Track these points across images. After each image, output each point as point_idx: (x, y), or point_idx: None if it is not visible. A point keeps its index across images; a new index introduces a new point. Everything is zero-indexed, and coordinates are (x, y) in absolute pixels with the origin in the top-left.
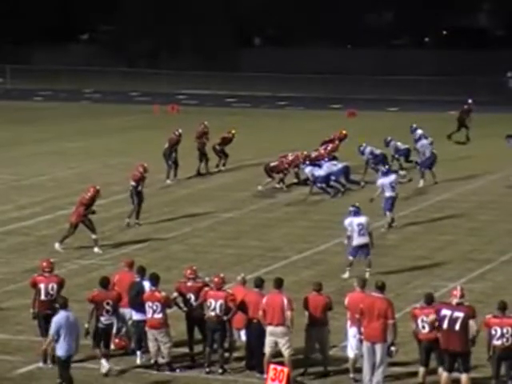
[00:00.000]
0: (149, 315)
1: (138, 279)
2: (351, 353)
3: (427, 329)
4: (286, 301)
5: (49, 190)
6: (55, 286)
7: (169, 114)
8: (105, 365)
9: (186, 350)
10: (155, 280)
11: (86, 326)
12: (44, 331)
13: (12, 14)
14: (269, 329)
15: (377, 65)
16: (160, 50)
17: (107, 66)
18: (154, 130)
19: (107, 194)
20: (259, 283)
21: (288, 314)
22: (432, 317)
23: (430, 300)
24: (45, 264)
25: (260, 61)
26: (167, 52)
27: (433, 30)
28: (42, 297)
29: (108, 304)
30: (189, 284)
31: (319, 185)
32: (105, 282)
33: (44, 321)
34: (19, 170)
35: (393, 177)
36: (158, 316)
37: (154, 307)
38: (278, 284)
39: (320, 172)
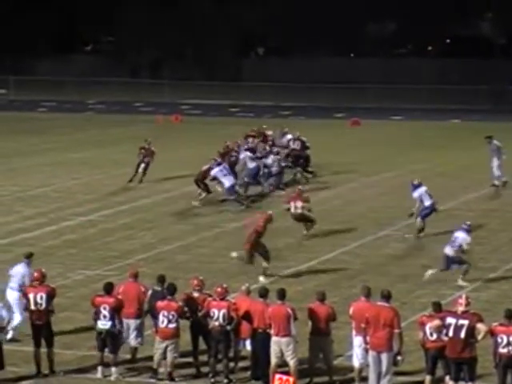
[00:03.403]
0: (162, 325)
1: (158, 288)
2: (357, 362)
3: (435, 336)
4: (290, 312)
5: (53, 201)
6: (44, 296)
7: (172, 123)
8: (113, 371)
9: (190, 359)
10: (172, 290)
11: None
12: (36, 341)
13: (15, 26)
14: (274, 339)
15: (380, 74)
16: (163, 61)
17: (110, 76)
18: (157, 140)
19: (111, 204)
20: (264, 293)
21: (292, 325)
22: (436, 322)
23: (438, 308)
24: (36, 274)
25: (263, 70)
26: (170, 62)
27: (435, 39)
28: (32, 307)
29: (105, 309)
30: (195, 295)
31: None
32: (108, 287)
33: (36, 331)
34: (23, 181)
35: (424, 187)
36: (173, 326)
37: (170, 317)
38: (281, 295)
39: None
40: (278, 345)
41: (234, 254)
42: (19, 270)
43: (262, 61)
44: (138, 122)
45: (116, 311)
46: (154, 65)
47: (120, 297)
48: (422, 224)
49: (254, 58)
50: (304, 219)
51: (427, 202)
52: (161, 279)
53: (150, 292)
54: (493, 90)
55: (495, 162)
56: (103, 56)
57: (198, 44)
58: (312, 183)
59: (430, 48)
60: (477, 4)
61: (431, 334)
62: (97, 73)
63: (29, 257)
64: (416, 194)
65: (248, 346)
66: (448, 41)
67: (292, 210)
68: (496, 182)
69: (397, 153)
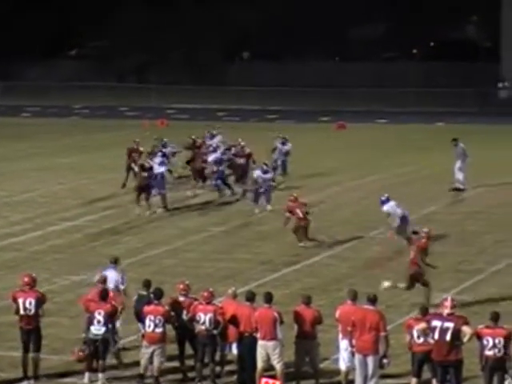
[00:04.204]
0: (149, 329)
1: (144, 292)
2: (343, 365)
3: (422, 339)
4: (277, 315)
5: (39, 206)
6: (33, 301)
7: (158, 128)
8: (100, 377)
9: (177, 364)
10: (159, 294)
11: (83, 335)
12: (25, 346)
13: (1, 32)
14: (260, 343)
15: (366, 77)
16: (149, 65)
17: (96, 81)
18: (143, 144)
19: (97, 209)
20: (250, 297)
21: (279, 329)
22: (422, 325)
23: (425, 312)
24: (26, 279)
25: (249, 75)
26: (156, 67)
27: (421, 43)
28: (21, 311)
29: (100, 314)
30: (181, 299)
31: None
32: (104, 294)
33: (25, 336)
34: (9, 186)
35: (393, 201)
36: (159, 330)
37: (157, 321)
38: (268, 299)
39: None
40: (265, 348)
41: (386, 284)
42: (111, 276)
43: (248, 65)
44: (124, 127)
45: (110, 317)
46: (140, 69)
47: (113, 303)
48: (402, 237)
49: (241, 63)
50: (303, 230)
51: (398, 216)
52: (146, 284)
53: (135, 297)
54: (478, 92)
55: (459, 165)
56: (89, 61)
57: (184, 48)
58: (295, 187)
59: (415, 51)
60: (462, 7)
61: (418, 337)
62: (83, 77)
63: (115, 261)
64: (385, 208)
65: (234, 349)
66: (433, 44)
67: (295, 218)
68: (461, 186)
69: (382, 156)
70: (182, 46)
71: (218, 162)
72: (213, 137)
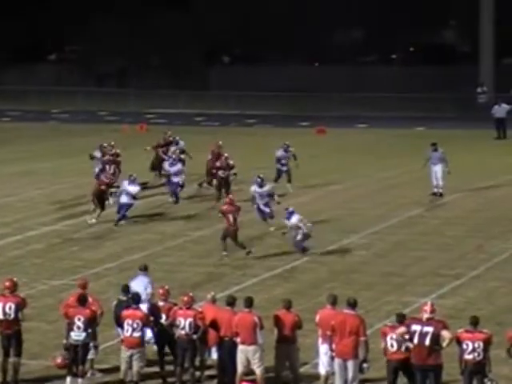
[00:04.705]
0: (127, 333)
1: (123, 298)
2: (323, 370)
3: (395, 347)
4: (257, 320)
5: (18, 211)
6: (13, 306)
7: (138, 133)
8: (79, 382)
9: (157, 369)
10: (137, 299)
11: (64, 341)
12: (5, 351)
13: None
14: (240, 347)
15: (345, 82)
16: (128, 69)
17: (75, 85)
18: (123, 149)
19: (77, 213)
20: (231, 301)
21: (259, 334)
22: (402, 329)
23: (402, 319)
24: (7, 284)
25: (228, 79)
26: (135, 71)
27: (400, 47)
28: (0, 316)
29: (79, 320)
30: (161, 304)
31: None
32: (82, 299)
33: (6, 340)
34: None
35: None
36: (137, 334)
37: (135, 325)
38: (249, 303)
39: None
40: (245, 353)
41: None
42: (141, 281)
43: (228, 69)
44: (103, 132)
45: (90, 322)
46: (120, 74)
47: (94, 308)
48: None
49: (220, 67)
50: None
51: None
52: (125, 289)
53: (114, 302)
54: (457, 97)
55: (440, 169)
56: (68, 65)
57: (163, 53)
58: (277, 192)
59: (394, 56)
60: (440, 12)
61: (392, 345)
62: (61, 82)
63: (145, 269)
64: (294, 221)
65: (214, 354)
66: (412, 49)
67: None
68: (440, 191)
69: (362, 161)
70: (161, 51)
71: (177, 173)
72: (177, 143)
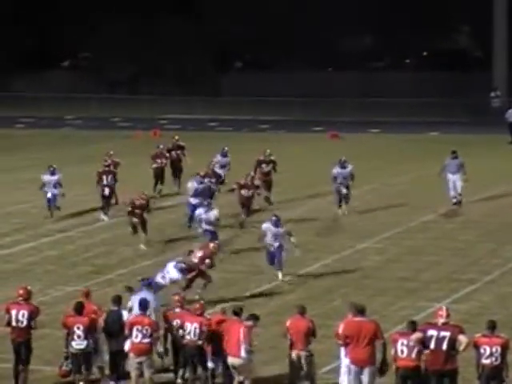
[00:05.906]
0: (136, 340)
1: (115, 308)
2: (344, 379)
3: (406, 353)
4: (242, 332)
5: (32, 217)
6: (26, 314)
7: (151, 139)
8: None
9: (169, 376)
10: (144, 305)
11: (65, 350)
12: (16, 357)
13: None
14: (228, 359)
15: (358, 87)
16: (140, 76)
17: (88, 92)
18: (136, 155)
19: (91, 220)
20: (238, 311)
21: (243, 347)
22: (418, 334)
23: (413, 327)
24: (21, 291)
25: (241, 85)
26: (148, 77)
27: (413, 52)
28: (13, 323)
29: (79, 328)
30: (176, 310)
31: None
32: (78, 307)
33: (17, 348)
34: (2, 198)
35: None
36: (146, 341)
37: (144, 331)
38: (237, 312)
39: None
40: (233, 367)
41: None
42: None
43: (240, 75)
44: (116, 138)
45: (90, 330)
46: (133, 80)
47: (93, 316)
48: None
49: (232, 73)
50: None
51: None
52: (116, 299)
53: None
54: (470, 102)
55: (458, 179)
56: (80, 72)
57: (175, 59)
58: (289, 198)
59: (407, 61)
60: (453, 17)
61: (402, 352)
62: (74, 89)
63: (149, 284)
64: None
65: (209, 363)
66: (425, 54)
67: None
68: (459, 198)
69: (375, 166)
70: (173, 57)
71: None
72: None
